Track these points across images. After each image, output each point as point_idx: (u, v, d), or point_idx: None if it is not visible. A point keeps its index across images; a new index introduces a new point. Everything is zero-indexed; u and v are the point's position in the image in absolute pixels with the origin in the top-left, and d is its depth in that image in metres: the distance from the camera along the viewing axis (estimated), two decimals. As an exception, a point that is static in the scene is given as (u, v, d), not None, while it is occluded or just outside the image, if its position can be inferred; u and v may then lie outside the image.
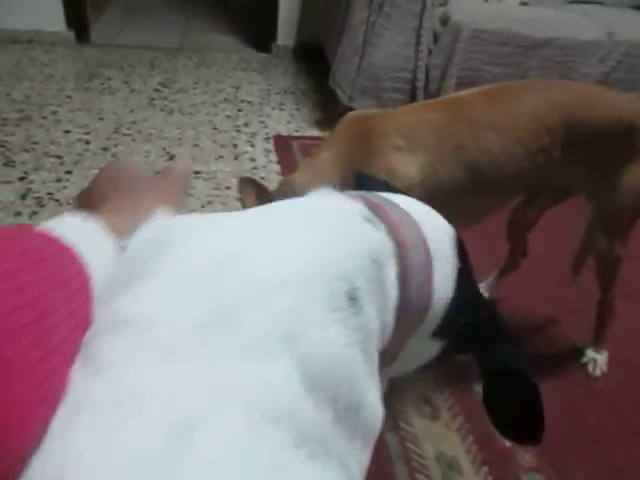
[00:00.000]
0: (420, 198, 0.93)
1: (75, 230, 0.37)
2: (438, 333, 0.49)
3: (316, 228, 0.40)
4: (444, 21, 2.21)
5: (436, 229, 0.49)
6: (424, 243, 0.45)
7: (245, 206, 0.87)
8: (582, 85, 1.11)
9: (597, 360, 1.40)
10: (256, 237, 0.38)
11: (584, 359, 1.41)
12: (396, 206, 0.47)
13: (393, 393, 1.25)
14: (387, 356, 0.45)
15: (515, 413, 0.50)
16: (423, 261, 0.44)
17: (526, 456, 1.17)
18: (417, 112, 1.02)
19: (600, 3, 2.72)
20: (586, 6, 2.66)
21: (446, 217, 1.01)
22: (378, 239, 0.41)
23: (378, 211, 0.44)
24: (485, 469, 1.12)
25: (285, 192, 0.95)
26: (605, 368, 1.40)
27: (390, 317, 0.41)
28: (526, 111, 1.00)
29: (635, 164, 1.10)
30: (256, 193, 0.87)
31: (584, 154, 1.07)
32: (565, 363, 1.42)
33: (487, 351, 0.51)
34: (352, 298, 0.36)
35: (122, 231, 0.39)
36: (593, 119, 1.04)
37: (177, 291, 0.34)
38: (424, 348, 0.51)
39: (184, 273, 0.35)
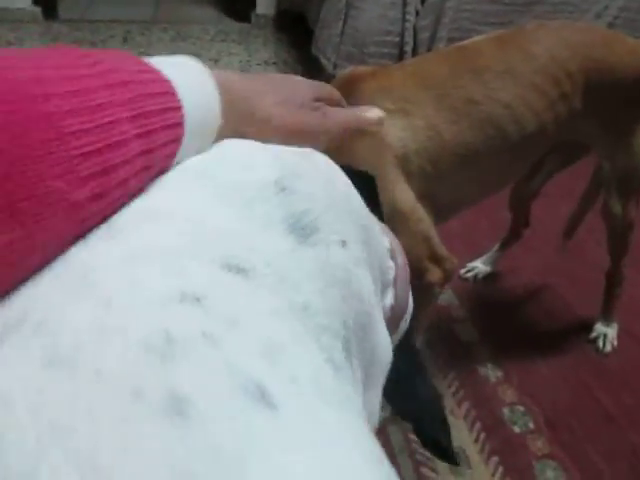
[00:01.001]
0: (422, 168, 0.82)
1: (177, 66, 0.32)
2: None
3: None
4: (431, -21, 2.07)
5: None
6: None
7: None
8: (599, 27, 0.98)
9: (607, 334, 1.32)
10: None
11: (593, 334, 1.32)
12: None
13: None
14: None
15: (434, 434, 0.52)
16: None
17: (538, 443, 1.09)
18: (411, 67, 0.90)
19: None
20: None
21: (460, 188, 0.90)
22: None
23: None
24: (495, 459, 1.05)
25: None
26: (615, 342, 1.32)
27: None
28: (542, 54, 0.89)
29: None
30: None
31: (604, 105, 0.96)
32: (573, 339, 1.34)
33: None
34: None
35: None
36: (614, 64, 0.93)
37: None
38: None
39: None
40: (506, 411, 1.14)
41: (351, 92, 0.84)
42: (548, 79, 0.88)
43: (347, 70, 0.93)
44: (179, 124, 0.29)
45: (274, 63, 2.73)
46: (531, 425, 1.12)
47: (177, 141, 0.29)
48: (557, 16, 2.21)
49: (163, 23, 3.11)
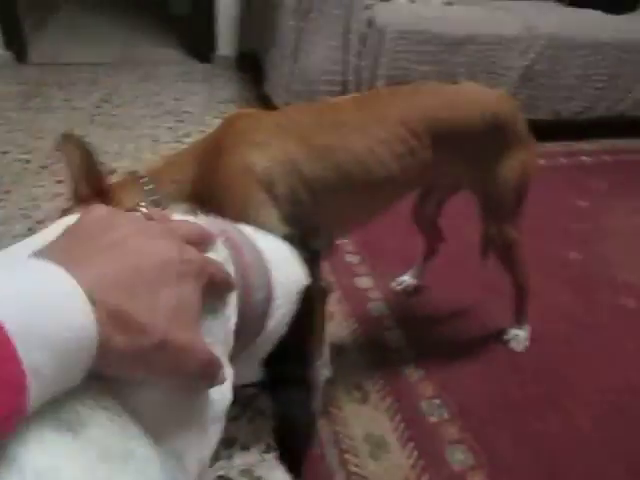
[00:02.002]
0: (286, 195, 0.99)
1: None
2: (263, 363, 0.59)
3: None
4: (370, 24, 2.29)
5: (287, 274, 0.58)
6: (268, 284, 0.54)
7: (69, 166, 0.84)
8: (449, 87, 1.17)
9: (519, 335, 1.48)
10: None
11: (506, 336, 1.49)
12: (253, 247, 0.55)
13: (325, 382, 1.30)
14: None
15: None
16: (263, 298, 0.53)
17: (451, 430, 1.24)
18: (283, 113, 1.08)
19: (522, -1, 2.85)
20: (509, 2, 2.78)
21: (327, 215, 1.07)
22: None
23: (235, 250, 0.51)
24: (411, 444, 1.19)
25: (126, 180, 0.97)
26: (527, 343, 1.49)
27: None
28: (391, 115, 1.06)
29: (508, 155, 1.18)
30: (82, 154, 0.83)
31: (456, 152, 1.14)
32: (490, 342, 1.50)
33: (283, 393, 0.64)
34: None
35: None
36: (457, 119, 1.10)
37: None
38: (250, 371, 0.60)
39: None
40: (424, 404, 1.29)
41: (231, 127, 1.02)
42: (394, 136, 1.05)
43: (235, 111, 1.11)
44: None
45: (233, 101, 2.92)
46: (445, 415, 1.27)
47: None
48: (487, 54, 2.44)
49: (129, 65, 3.29)
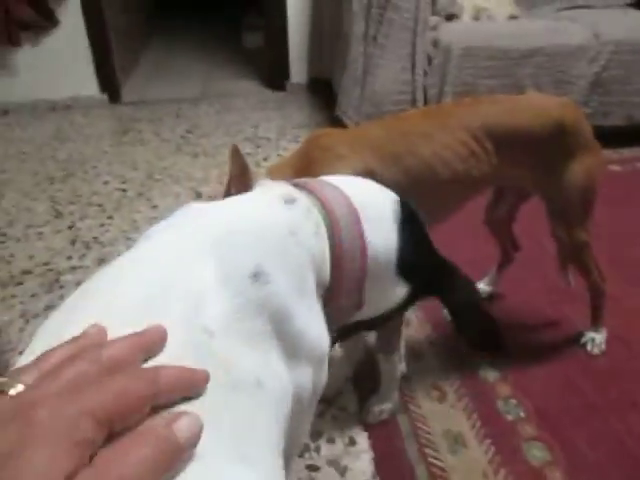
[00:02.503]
0: None
1: None
2: (401, 278, 0.64)
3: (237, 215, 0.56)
4: (435, 44, 2.38)
5: (371, 196, 0.66)
6: (349, 205, 0.60)
7: (231, 171, 1.00)
8: (509, 97, 1.25)
9: (595, 339, 1.50)
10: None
11: (583, 339, 1.51)
12: (330, 185, 0.64)
13: (403, 382, 1.38)
14: (352, 297, 0.61)
15: (478, 331, 0.72)
16: (349, 219, 0.59)
17: (527, 428, 1.28)
18: (361, 128, 1.21)
19: (589, 7, 2.85)
20: (575, 11, 2.78)
21: None
22: (289, 214, 0.56)
23: (309, 190, 0.61)
24: (488, 441, 1.24)
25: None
26: (604, 346, 1.50)
27: (321, 259, 0.56)
28: (453, 122, 1.16)
29: (573, 160, 1.23)
30: (241, 166, 0.98)
31: (519, 157, 1.21)
32: (566, 345, 1.52)
33: (448, 292, 0.69)
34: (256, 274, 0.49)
35: None
36: (517, 125, 1.18)
37: None
38: (388, 292, 0.65)
39: None
40: (500, 403, 1.34)
41: (315, 144, 1.16)
42: (457, 140, 1.15)
43: (320, 129, 1.24)
44: None
45: (307, 125, 3.08)
46: (522, 414, 1.31)
47: None
48: (554, 64, 2.46)
49: (210, 98, 3.55)
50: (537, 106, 1.24)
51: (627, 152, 2.72)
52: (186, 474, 0.32)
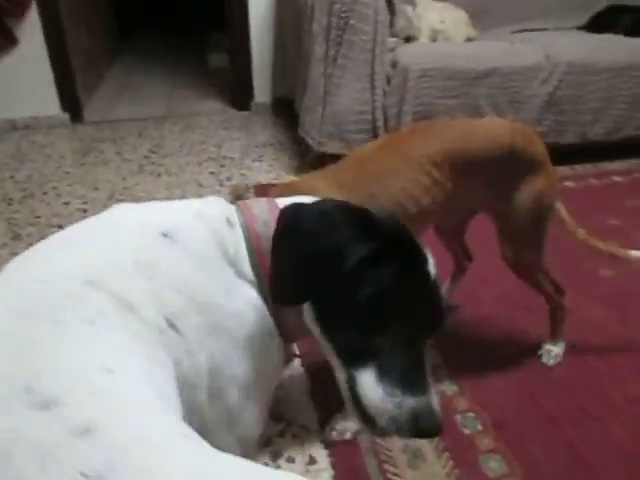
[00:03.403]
0: None
1: None
2: None
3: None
4: (394, 65, 2.43)
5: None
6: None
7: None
8: (464, 121, 1.28)
9: (552, 351, 1.53)
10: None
11: (540, 351, 1.54)
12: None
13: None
14: None
15: None
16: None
17: (485, 440, 1.30)
18: (330, 173, 1.20)
19: (541, 29, 2.96)
20: (528, 34, 2.89)
21: None
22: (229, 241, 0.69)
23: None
24: (446, 455, 1.26)
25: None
26: (560, 358, 1.53)
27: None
28: (415, 153, 1.19)
29: (524, 183, 1.27)
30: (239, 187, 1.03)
31: (475, 181, 1.25)
32: (524, 357, 1.55)
33: None
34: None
35: None
36: (473, 150, 1.22)
37: None
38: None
39: None
40: (458, 417, 1.36)
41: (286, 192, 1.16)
42: (421, 171, 1.18)
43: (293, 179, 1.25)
44: None
45: (271, 145, 3.10)
46: (479, 427, 1.33)
47: None
48: (509, 84, 2.54)
49: (174, 117, 3.55)
50: (489, 130, 1.27)
51: (581, 169, 2.81)
52: None
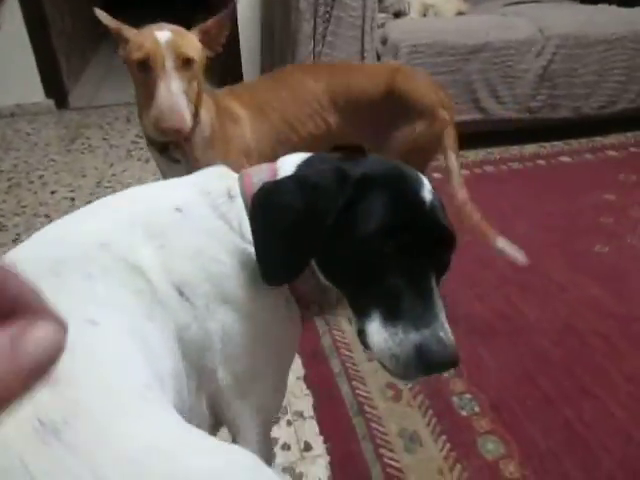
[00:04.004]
0: (257, 158, 1.39)
1: None
2: None
3: None
4: (384, 41, 2.38)
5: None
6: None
7: None
8: (347, 65, 1.60)
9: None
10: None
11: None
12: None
13: (359, 383, 1.37)
14: None
15: None
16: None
17: (482, 422, 1.28)
18: (248, 88, 1.48)
19: (534, 2, 2.90)
20: (521, 6, 2.83)
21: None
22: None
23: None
24: (443, 437, 1.24)
25: None
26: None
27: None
28: (300, 86, 1.40)
29: (403, 122, 1.39)
30: None
31: (355, 116, 1.39)
32: (522, 338, 1.54)
33: None
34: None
35: None
36: (354, 87, 1.39)
37: None
38: None
39: None
40: (455, 399, 1.34)
41: (220, 103, 1.40)
42: (306, 102, 1.38)
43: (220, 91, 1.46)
44: None
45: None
46: (476, 409, 1.31)
47: None
48: (502, 59, 2.49)
49: (162, 101, 3.47)
50: (370, 71, 1.43)
51: (576, 144, 2.78)
52: None
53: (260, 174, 0.73)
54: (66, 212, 2.14)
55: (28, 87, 3.25)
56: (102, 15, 1.28)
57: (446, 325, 0.61)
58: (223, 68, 3.60)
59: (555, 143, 2.79)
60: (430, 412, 1.30)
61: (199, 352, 0.65)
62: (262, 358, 0.70)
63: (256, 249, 0.65)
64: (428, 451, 1.21)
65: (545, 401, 1.34)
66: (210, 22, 1.26)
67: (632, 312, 1.63)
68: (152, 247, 0.64)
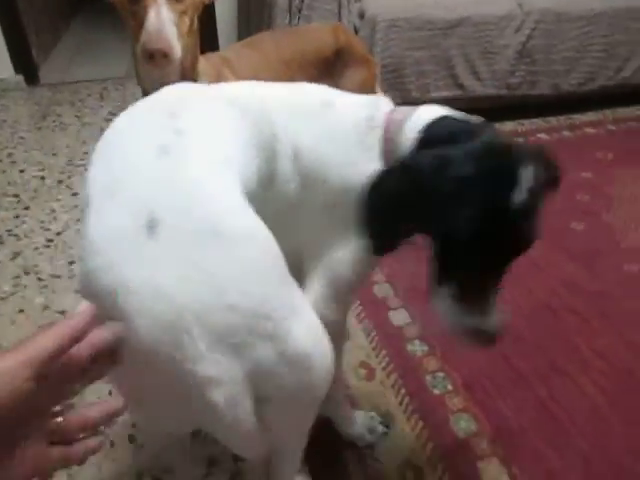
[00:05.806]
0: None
1: None
2: None
3: None
4: (361, 15, 2.33)
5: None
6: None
7: None
8: (299, 29, 1.98)
9: None
10: None
11: None
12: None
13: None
14: None
15: None
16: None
17: (454, 400, 1.28)
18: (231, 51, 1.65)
19: (514, -24, 2.85)
20: (501, -19, 2.78)
21: None
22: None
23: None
24: (416, 416, 1.24)
25: None
26: None
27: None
28: (270, 51, 1.63)
29: (348, 69, 1.71)
30: None
31: (312, 71, 1.64)
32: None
33: None
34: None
35: None
36: (308, 49, 1.65)
37: None
38: None
39: None
40: (428, 377, 1.34)
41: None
42: (273, 64, 1.60)
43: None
44: None
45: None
46: (449, 387, 1.31)
47: None
48: (481, 34, 2.46)
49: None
50: (316, 32, 1.74)
51: (554, 121, 2.77)
52: None
53: (401, 115, 0.82)
54: (36, 191, 2.08)
55: (-4, 62, 3.14)
56: None
57: (494, 317, 0.77)
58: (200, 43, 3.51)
59: (533, 120, 2.77)
60: (403, 391, 1.30)
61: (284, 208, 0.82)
62: (345, 234, 0.82)
63: (366, 230, 0.75)
64: (400, 430, 1.21)
65: (517, 379, 1.35)
66: None
67: (604, 289, 1.64)
68: (284, 113, 0.79)
